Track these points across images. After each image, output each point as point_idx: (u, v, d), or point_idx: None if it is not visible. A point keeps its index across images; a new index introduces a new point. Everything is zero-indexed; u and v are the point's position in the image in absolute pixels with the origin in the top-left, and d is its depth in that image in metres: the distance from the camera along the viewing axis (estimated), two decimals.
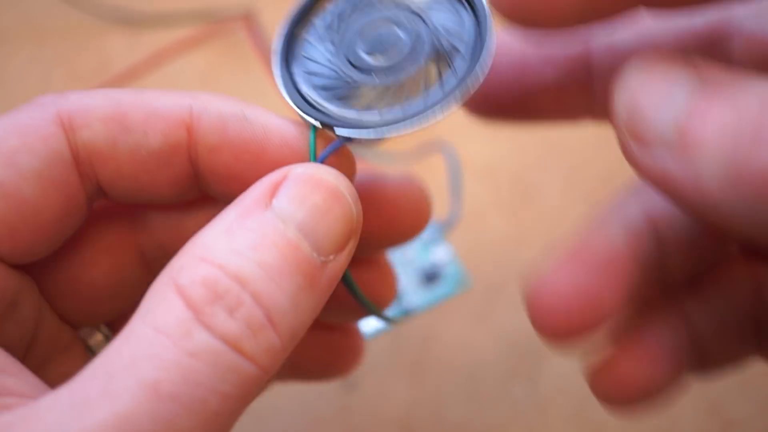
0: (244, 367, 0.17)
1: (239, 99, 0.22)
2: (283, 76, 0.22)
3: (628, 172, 0.43)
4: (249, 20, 0.42)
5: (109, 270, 0.23)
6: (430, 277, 0.37)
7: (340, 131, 0.20)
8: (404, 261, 0.36)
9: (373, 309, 0.24)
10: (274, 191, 0.19)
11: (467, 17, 0.22)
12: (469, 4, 0.22)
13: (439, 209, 0.35)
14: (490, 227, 0.40)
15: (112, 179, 0.21)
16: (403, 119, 0.20)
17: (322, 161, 0.20)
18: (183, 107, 0.21)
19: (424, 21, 0.22)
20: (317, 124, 0.21)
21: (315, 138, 0.21)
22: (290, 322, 0.18)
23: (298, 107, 0.21)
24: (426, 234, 0.33)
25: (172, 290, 0.17)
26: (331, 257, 0.19)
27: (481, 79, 0.21)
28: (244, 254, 0.18)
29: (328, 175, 0.19)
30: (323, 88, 0.21)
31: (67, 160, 0.20)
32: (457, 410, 0.35)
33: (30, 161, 0.20)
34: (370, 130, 0.20)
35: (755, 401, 0.35)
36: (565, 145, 0.42)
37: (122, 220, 0.23)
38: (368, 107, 0.21)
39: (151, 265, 0.24)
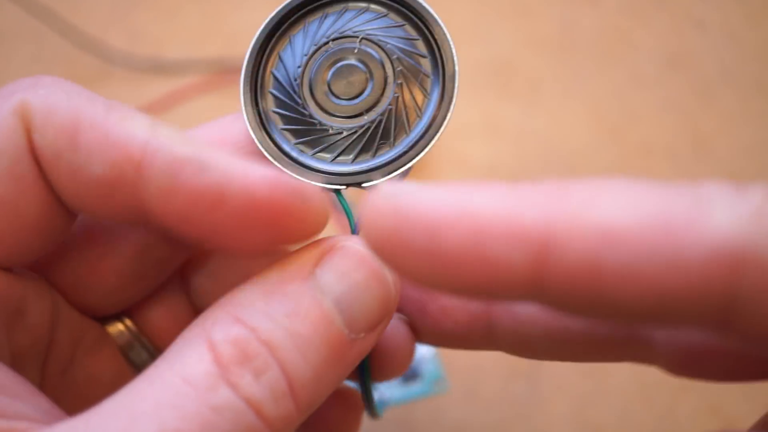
0: (261, 429, 0.17)
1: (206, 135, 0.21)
2: (267, 147, 0.21)
3: (627, 172, 0.43)
4: None
5: (134, 254, 0.22)
6: (409, 375, 0.35)
7: (367, 184, 0.20)
8: None
9: (371, 398, 0.23)
10: (319, 260, 0.19)
11: (424, 42, 0.21)
12: (430, 35, 0.21)
13: None
14: None
15: (60, 189, 0.20)
16: (411, 148, 0.20)
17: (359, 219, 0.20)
18: (138, 142, 0.19)
19: (385, 52, 0.21)
20: (341, 187, 0.21)
21: (345, 201, 0.21)
22: (310, 393, 0.18)
23: (309, 180, 0.21)
24: None
25: (204, 344, 0.17)
26: (362, 335, 0.19)
27: (455, 100, 0.21)
28: (277, 321, 0.18)
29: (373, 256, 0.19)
30: (304, 143, 0.21)
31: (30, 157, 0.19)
32: (457, 410, 0.35)
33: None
34: (388, 173, 0.20)
35: (755, 401, 0.35)
36: (565, 145, 0.42)
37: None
38: (352, 152, 0.21)
39: (176, 240, 0.22)
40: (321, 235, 0.19)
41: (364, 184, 0.21)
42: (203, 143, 0.19)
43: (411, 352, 0.23)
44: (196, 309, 0.25)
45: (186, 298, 0.25)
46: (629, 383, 0.35)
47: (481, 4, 0.48)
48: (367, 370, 0.22)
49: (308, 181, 0.21)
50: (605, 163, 0.41)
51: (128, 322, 0.24)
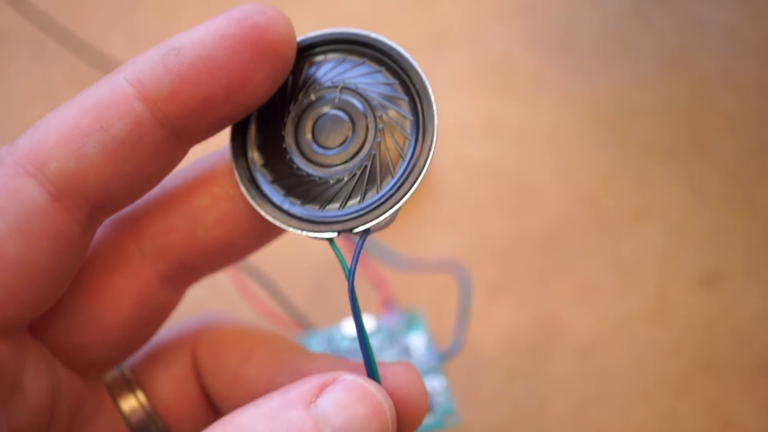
0: None
1: None
2: (253, 196, 0.22)
3: (627, 172, 0.43)
4: None
5: (135, 304, 0.22)
6: None
7: (358, 229, 0.21)
8: None
9: None
10: (320, 391, 0.19)
11: (405, 93, 0.22)
12: (407, 77, 0.22)
13: (442, 336, 0.35)
14: (490, 227, 0.40)
15: (100, 187, 0.20)
16: (397, 189, 0.21)
17: (356, 263, 0.21)
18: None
19: (365, 99, 0.22)
20: (333, 235, 0.21)
21: (338, 249, 0.21)
22: None
23: (300, 230, 0.21)
24: (426, 360, 0.33)
25: None
26: None
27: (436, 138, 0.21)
28: None
29: (375, 390, 0.19)
30: (293, 194, 0.21)
31: (43, 203, 0.19)
32: (457, 410, 0.35)
33: (3, 221, 0.19)
34: (377, 217, 0.21)
35: (755, 401, 0.35)
36: (565, 145, 0.42)
37: (131, 249, 0.23)
38: (340, 198, 0.21)
39: (173, 283, 0.23)
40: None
41: (355, 230, 0.21)
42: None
43: (424, 406, 0.22)
44: (203, 387, 0.25)
45: (195, 374, 0.25)
46: (630, 384, 0.35)
47: (481, 4, 0.48)
48: None
49: (298, 231, 0.21)
50: (605, 164, 0.41)
51: (141, 396, 0.24)
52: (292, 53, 0.21)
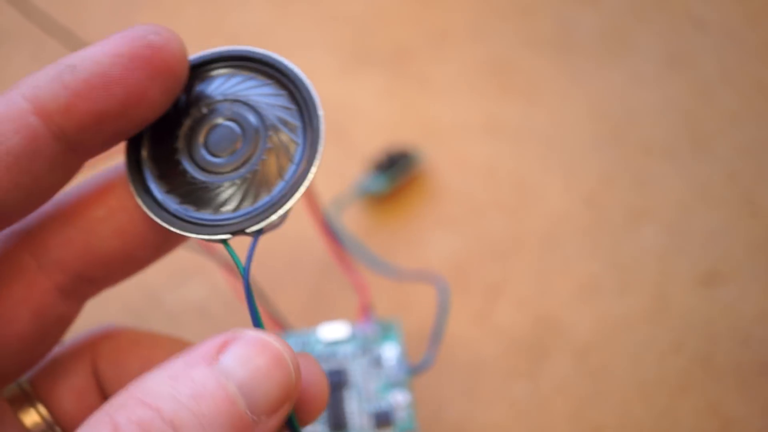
0: None
1: None
2: (149, 205, 0.22)
3: (627, 172, 0.43)
4: None
5: (30, 316, 0.23)
6: (382, 421, 0.33)
7: (251, 229, 0.22)
8: (363, 397, 0.33)
9: None
10: (222, 348, 0.19)
11: (292, 102, 0.23)
12: (294, 87, 0.23)
13: (416, 349, 0.35)
14: (489, 227, 0.40)
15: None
16: (287, 191, 0.22)
17: (250, 262, 0.21)
18: None
19: (256, 111, 0.23)
20: (227, 236, 0.22)
21: (233, 250, 0.22)
22: None
23: (196, 234, 0.22)
24: (395, 373, 0.33)
25: (108, 427, 0.18)
26: (263, 418, 0.20)
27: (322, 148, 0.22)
28: (182, 401, 0.18)
29: (274, 341, 0.20)
30: (188, 202, 0.22)
31: None
32: (457, 410, 0.35)
33: None
34: (268, 217, 0.22)
35: (756, 401, 0.35)
36: (565, 145, 0.42)
37: (27, 261, 0.23)
38: (233, 202, 0.22)
39: (71, 295, 0.24)
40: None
41: (248, 230, 0.22)
42: None
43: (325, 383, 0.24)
44: (106, 397, 0.25)
45: (96, 383, 0.25)
46: (629, 383, 0.35)
47: (481, 4, 0.48)
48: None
49: (194, 234, 0.22)
50: (605, 164, 0.42)
51: (42, 409, 0.24)
52: (184, 71, 0.22)
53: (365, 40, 0.47)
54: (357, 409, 0.32)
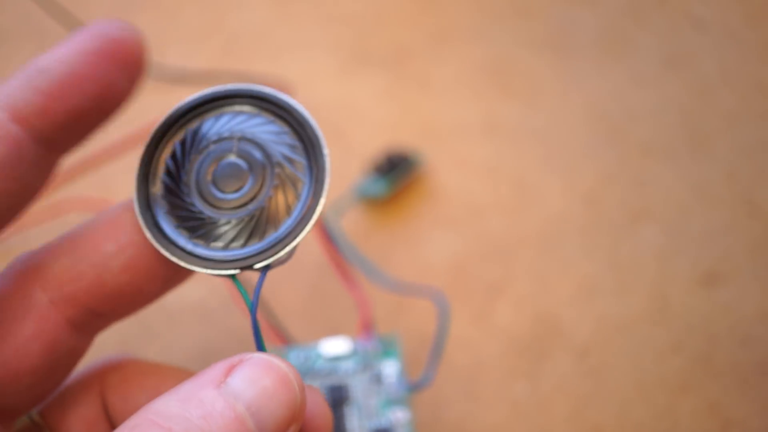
0: None
1: None
2: (158, 239, 0.23)
3: (626, 172, 0.43)
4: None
5: (42, 350, 0.23)
6: None
7: (258, 265, 0.23)
8: (363, 413, 0.33)
9: None
10: (229, 372, 0.20)
11: (297, 140, 0.24)
12: (299, 125, 0.24)
13: (415, 367, 0.35)
14: (489, 227, 0.40)
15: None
16: (295, 227, 0.23)
17: (257, 297, 0.22)
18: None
19: (262, 148, 0.23)
20: (236, 272, 0.23)
21: (241, 285, 0.23)
22: None
23: (204, 269, 0.23)
24: (395, 390, 0.33)
25: None
26: None
27: (326, 191, 0.23)
28: (193, 421, 0.19)
29: (280, 363, 0.21)
30: (197, 237, 0.23)
31: None
32: (456, 410, 0.35)
33: None
34: (276, 253, 0.23)
35: (755, 401, 0.35)
36: (565, 145, 0.42)
37: (38, 296, 0.23)
38: (241, 238, 0.23)
39: (82, 329, 0.24)
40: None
41: (255, 266, 0.23)
42: None
43: (329, 417, 0.24)
44: (114, 427, 0.25)
45: (104, 414, 0.25)
46: (629, 383, 0.35)
47: (481, 4, 0.48)
48: None
49: (203, 269, 0.23)
50: (604, 163, 0.42)
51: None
52: (144, 57, 0.23)
53: (365, 41, 0.47)
54: (357, 426, 0.32)
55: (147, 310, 0.38)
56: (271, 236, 0.23)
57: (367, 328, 0.34)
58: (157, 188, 0.23)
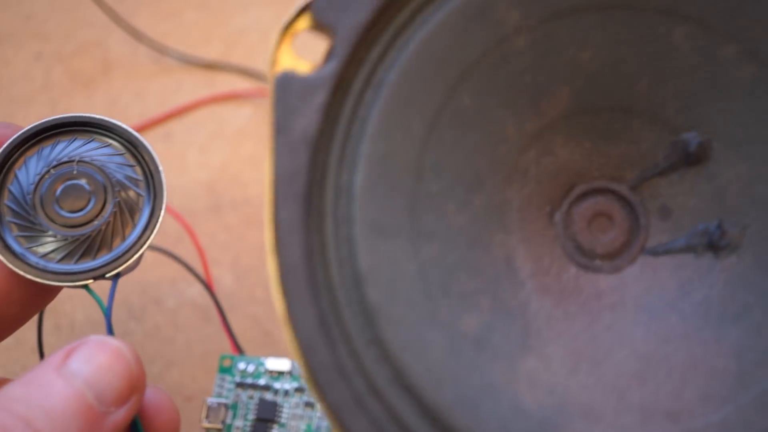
0: None
1: None
2: (10, 260, 0.25)
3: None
4: None
5: None
6: None
7: (109, 274, 0.25)
8: None
9: None
10: (68, 355, 0.22)
11: (132, 158, 0.26)
12: (140, 155, 0.26)
13: None
14: None
15: None
16: (139, 238, 0.26)
17: (111, 302, 0.25)
18: None
19: (101, 169, 0.26)
20: (89, 281, 0.25)
21: (95, 292, 0.25)
22: None
23: (58, 282, 0.25)
24: (325, 422, 0.33)
25: None
26: (113, 409, 0.22)
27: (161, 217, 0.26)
28: (34, 402, 0.20)
29: (113, 340, 0.23)
30: (48, 254, 0.25)
31: None
32: None
33: None
34: (124, 263, 0.25)
35: None
36: None
37: None
38: (91, 252, 0.26)
39: None
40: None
41: (107, 275, 0.25)
42: None
43: (176, 414, 0.26)
44: None
45: None
46: None
47: None
48: None
49: (56, 282, 0.25)
50: None
51: None
52: None
53: None
54: None
55: (147, 310, 0.38)
56: (119, 247, 0.25)
57: None
58: (4, 211, 0.25)
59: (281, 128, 0.20)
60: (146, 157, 0.26)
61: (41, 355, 0.28)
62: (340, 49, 0.21)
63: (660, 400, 0.22)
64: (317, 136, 0.21)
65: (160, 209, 0.26)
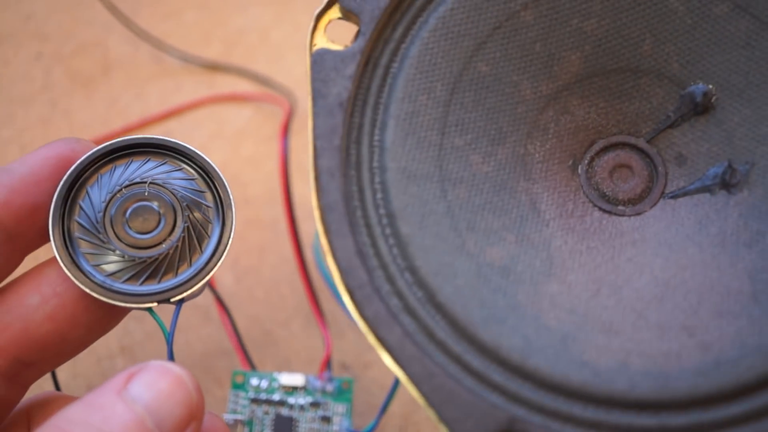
0: None
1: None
2: (78, 278, 0.25)
3: None
4: (289, 103, 0.43)
5: None
6: None
7: (174, 299, 0.25)
8: None
9: None
10: (129, 379, 0.22)
11: (203, 183, 0.26)
12: (211, 181, 0.26)
13: (364, 418, 0.35)
14: None
15: None
16: (206, 265, 0.25)
17: (174, 327, 0.25)
18: None
19: (172, 192, 0.26)
20: (153, 304, 0.25)
21: (158, 316, 0.25)
22: None
23: (122, 302, 0.25)
24: None
25: None
26: None
27: (229, 247, 0.26)
28: (95, 425, 0.20)
29: (174, 367, 0.23)
30: (114, 274, 0.25)
31: None
32: None
33: None
34: (189, 288, 0.25)
35: None
36: None
37: None
38: (157, 274, 0.25)
39: (13, 379, 0.25)
40: None
41: (171, 299, 0.25)
42: None
43: None
44: None
45: None
46: None
47: None
48: None
49: (120, 303, 0.25)
50: None
51: None
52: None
53: None
54: None
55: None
56: (185, 273, 0.25)
57: (323, 367, 0.35)
58: (74, 228, 0.25)
59: (319, 95, 0.25)
60: (218, 184, 0.26)
61: (55, 384, 0.29)
62: (365, 29, 0.25)
63: (677, 317, 0.24)
64: (351, 101, 0.25)
65: (229, 237, 0.25)
